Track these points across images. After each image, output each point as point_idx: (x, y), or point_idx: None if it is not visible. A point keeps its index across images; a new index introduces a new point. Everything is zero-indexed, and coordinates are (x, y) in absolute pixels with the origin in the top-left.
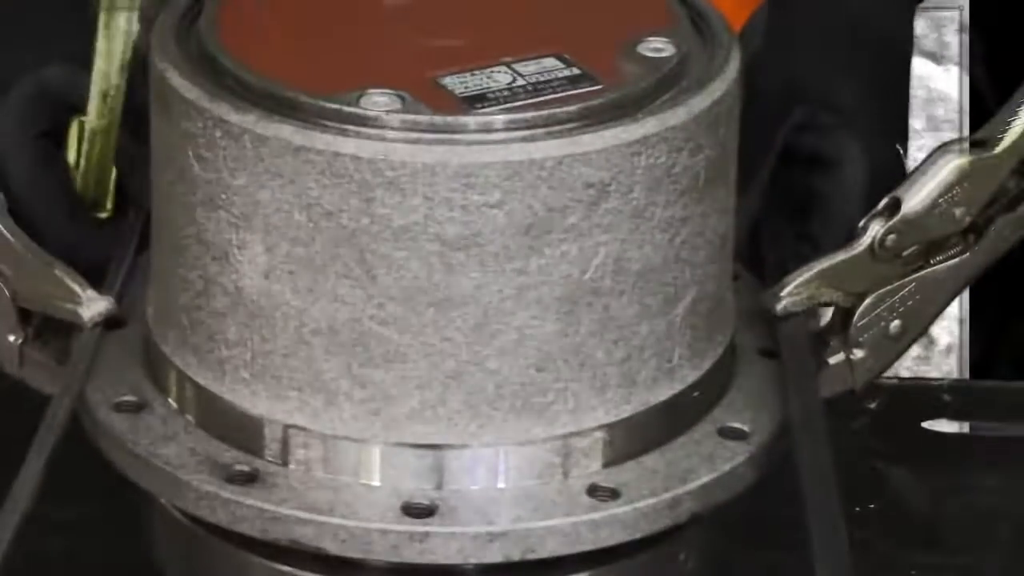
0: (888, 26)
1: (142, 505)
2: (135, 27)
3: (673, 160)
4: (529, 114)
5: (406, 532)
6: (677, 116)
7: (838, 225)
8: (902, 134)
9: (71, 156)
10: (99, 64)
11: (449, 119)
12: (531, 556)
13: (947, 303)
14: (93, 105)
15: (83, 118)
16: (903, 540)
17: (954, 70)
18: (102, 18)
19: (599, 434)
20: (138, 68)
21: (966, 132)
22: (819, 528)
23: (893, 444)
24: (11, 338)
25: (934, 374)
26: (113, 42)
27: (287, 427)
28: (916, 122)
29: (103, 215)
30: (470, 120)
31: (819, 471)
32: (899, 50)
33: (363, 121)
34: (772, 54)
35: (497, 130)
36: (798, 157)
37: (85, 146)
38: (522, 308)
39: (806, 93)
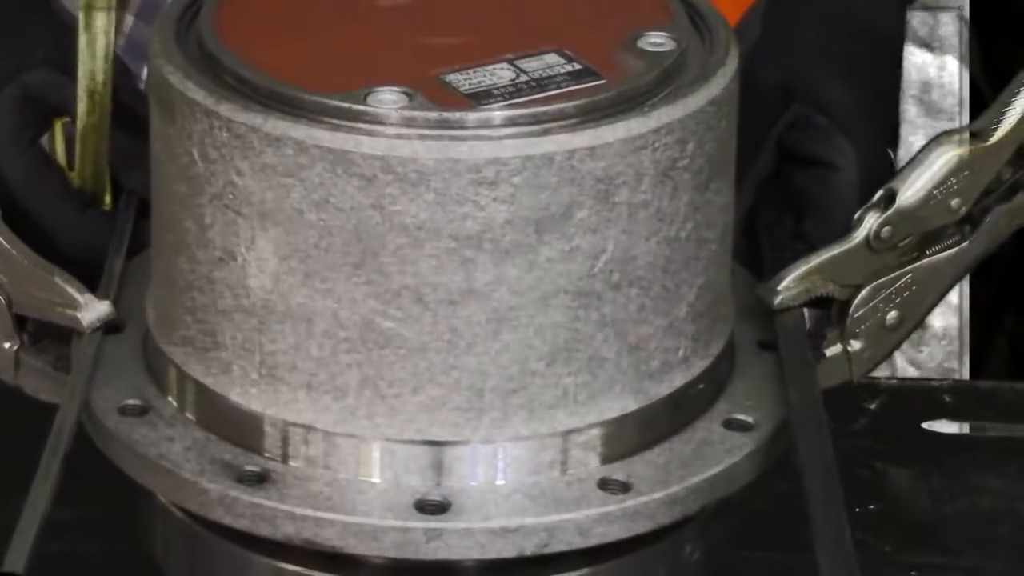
0: (883, 28)
1: (141, 505)
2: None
3: (680, 152)
4: (538, 109)
5: (421, 528)
6: (684, 108)
7: (831, 227)
8: (893, 137)
9: (58, 156)
10: (83, 63)
11: (459, 115)
12: (545, 551)
13: (945, 293)
14: (82, 103)
15: (65, 119)
16: (903, 540)
17: (951, 62)
18: (81, 17)
19: (609, 427)
20: (120, 65)
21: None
22: (821, 518)
23: (893, 444)
24: (6, 345)
25: (929, 364)
26: (94, 40)
27: (293, 425)
28: (911, 111)
29: (105, 208)
30: (479, 116)
31: (820, 463)
32: (893, 52)
33: (372, 119)
34: (767, 52)
35: (507, 125)
36: (792, 157)
37: (77, 145)
38: (532, 303)
39: (800, 93)
